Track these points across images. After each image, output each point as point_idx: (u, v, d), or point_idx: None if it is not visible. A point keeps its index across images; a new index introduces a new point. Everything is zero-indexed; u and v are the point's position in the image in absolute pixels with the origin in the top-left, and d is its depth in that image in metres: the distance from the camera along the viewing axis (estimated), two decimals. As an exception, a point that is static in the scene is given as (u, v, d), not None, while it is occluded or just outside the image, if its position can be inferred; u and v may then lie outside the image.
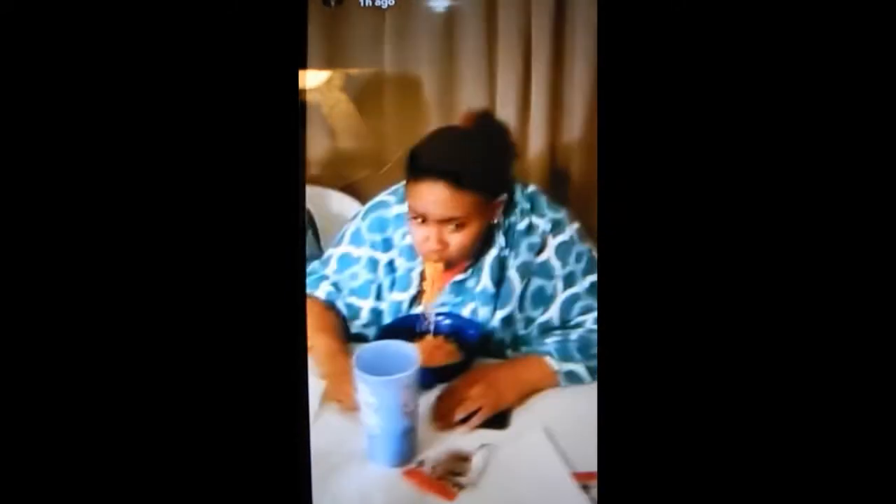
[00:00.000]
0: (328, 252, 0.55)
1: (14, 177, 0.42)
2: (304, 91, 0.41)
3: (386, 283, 0.55)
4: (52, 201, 0.42)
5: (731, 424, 0.42)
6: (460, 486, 0.48)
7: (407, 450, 0.49)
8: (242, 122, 0.42)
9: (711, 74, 0.41)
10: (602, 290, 0.44)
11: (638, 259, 0.42)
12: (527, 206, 0.54)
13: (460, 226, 0.51)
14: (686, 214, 0.42)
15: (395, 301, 0.55)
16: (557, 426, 0.50)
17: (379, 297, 0.55)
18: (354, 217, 0.56)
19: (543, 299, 0.54)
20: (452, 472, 0.49)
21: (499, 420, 0.52)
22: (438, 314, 0.55)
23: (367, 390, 0.47)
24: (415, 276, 0.55)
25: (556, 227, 0.54)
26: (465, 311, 0.55)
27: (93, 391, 0.43)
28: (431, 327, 0.54)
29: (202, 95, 0.42)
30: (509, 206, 0.54)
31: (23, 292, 0.42)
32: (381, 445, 0.49)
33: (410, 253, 0.54)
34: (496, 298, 0.54)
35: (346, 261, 0.55)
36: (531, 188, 0.54)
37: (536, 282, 0.54)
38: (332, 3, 0.41)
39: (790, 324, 0.41)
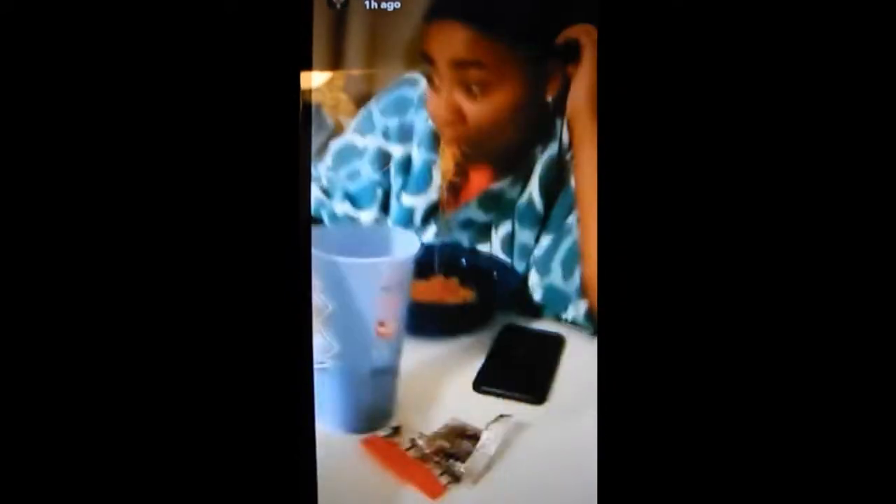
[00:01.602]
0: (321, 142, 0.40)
1: (14, 176, 0.41)
2: (307, 91, 0.40)
3: (396, 185, 0.41)
4: (56, 201, 0.41)
5: (740, 426, 0.41)
6: (455, 477, 0.34)
7: (377, 404, 0.34)
8: (246, 122, 0.41)
9: (713, 73, 0.40)
10: (602, 288, 0.40)
11: (638, 258, 0.41)
12: None
13: (486, 86, 0.38)
14: (686, 213, 0.41)
15: (405, 208, 0.40)
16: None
17: (386, 207, 0.41)
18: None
19: None
20: (446, 454, 0.35)
21: (533, 386, 0.39)
22: (457, 248, 0.40)
23: (323, 282, 0.32)
24: (437, 172, 0.41)
25: None
26: (500, 233, 0.40)
27: (93, 390, 0.42)
28: (436, 264, 0.40)
29: (205, 96, 0.41)
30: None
31: (22, 292, 0.41)
32: (336, 389, 0.33)
33: (434, 141, 0.40)
34: (547, 221, 0.40)
35: (346, 154, 0.41)
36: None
37: None
38: (338, 5, 0.40)
39: (790, 324, 0.40)
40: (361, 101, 0.42)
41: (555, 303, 0.41)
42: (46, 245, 0.41)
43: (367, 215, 0.41)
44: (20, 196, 0.41)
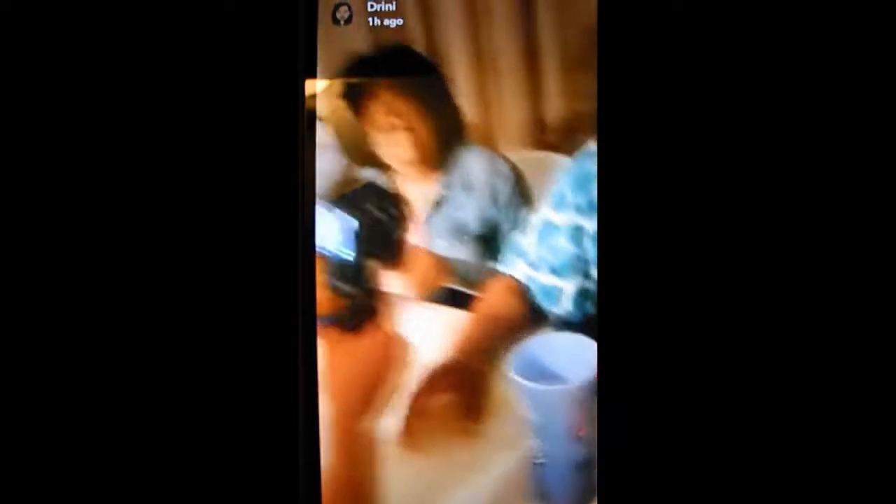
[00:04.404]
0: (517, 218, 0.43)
1: (10, 177, 0.42)
2: (306, 101, 0.41)
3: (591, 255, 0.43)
4: (52, 206, 0.42)
5: (734, 425, 0.41)
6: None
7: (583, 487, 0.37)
8: (248, 139, 0.42)
9: (713, 74, 0.41)
10: (602, 287, 0.41)
11: (638, 257, 0.42)
12: None
13: None
14: (686, 213, 0.42)
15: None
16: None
17: (587, 275, 0.42)
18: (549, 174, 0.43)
19: None
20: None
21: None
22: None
23: (525, 403, 0.37)
24: None
25: None
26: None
27: (93, 390, 0.43)
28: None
29: (209, 105, 0.42)
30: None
31: (18, 292, 0.42)
32: (550, 479, 0.37)
33: None
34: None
35: (546, 231, 0.43)
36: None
37: None
38: (342, 22, 0.41)
39: (790, 324, 0.40)
40: (360, 109, 0.43)
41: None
42: (44, 252, 0.42)
43: (570, 285, 0.43)
44: (12, 198, 0.42)
